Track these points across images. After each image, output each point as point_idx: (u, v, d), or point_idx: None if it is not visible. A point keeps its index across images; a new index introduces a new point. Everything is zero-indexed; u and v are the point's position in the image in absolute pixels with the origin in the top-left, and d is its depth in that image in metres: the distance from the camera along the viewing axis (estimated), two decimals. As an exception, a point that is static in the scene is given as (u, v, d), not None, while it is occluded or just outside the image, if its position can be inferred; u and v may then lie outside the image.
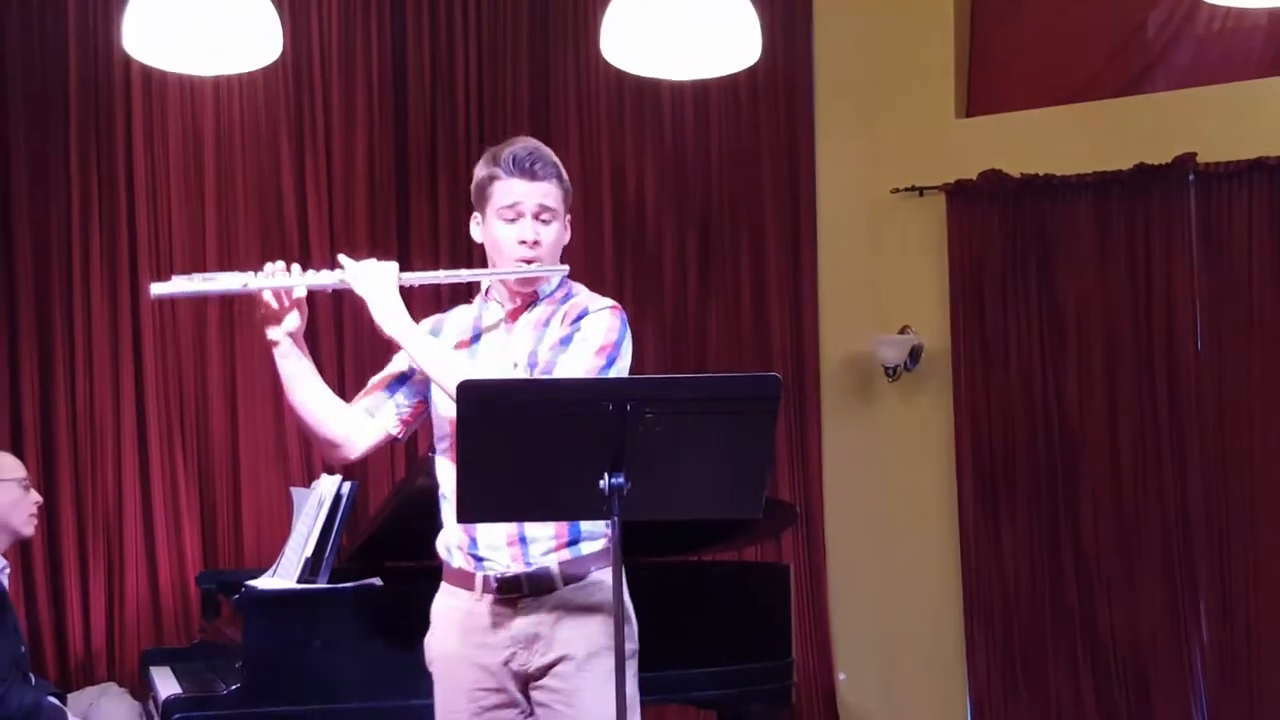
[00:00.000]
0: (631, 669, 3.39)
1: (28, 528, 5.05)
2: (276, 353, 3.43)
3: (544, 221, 3.42)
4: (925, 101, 7.55)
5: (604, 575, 3.33)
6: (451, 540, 3.42)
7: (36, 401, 6.28)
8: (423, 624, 3.49)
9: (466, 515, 3.17)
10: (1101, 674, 6.99)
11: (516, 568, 3.33)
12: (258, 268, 3.38)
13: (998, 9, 7.64)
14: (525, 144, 3.45)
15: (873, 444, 7.64)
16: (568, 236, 3.51)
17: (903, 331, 7.49)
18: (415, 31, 7.14)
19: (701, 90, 7.43)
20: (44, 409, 6.31)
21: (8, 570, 5.03)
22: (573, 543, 3.35)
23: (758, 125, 7.72)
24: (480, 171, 3.47)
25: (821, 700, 7.49)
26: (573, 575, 3.34)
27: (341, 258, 3.45)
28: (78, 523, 6.32)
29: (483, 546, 3.35)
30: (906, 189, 7.49)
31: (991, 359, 7.28)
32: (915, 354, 7.48)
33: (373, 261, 3.44)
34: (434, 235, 7.12)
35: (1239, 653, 6.75)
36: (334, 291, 3.48)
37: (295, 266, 3.40)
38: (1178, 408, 6.90)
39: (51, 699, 4.93)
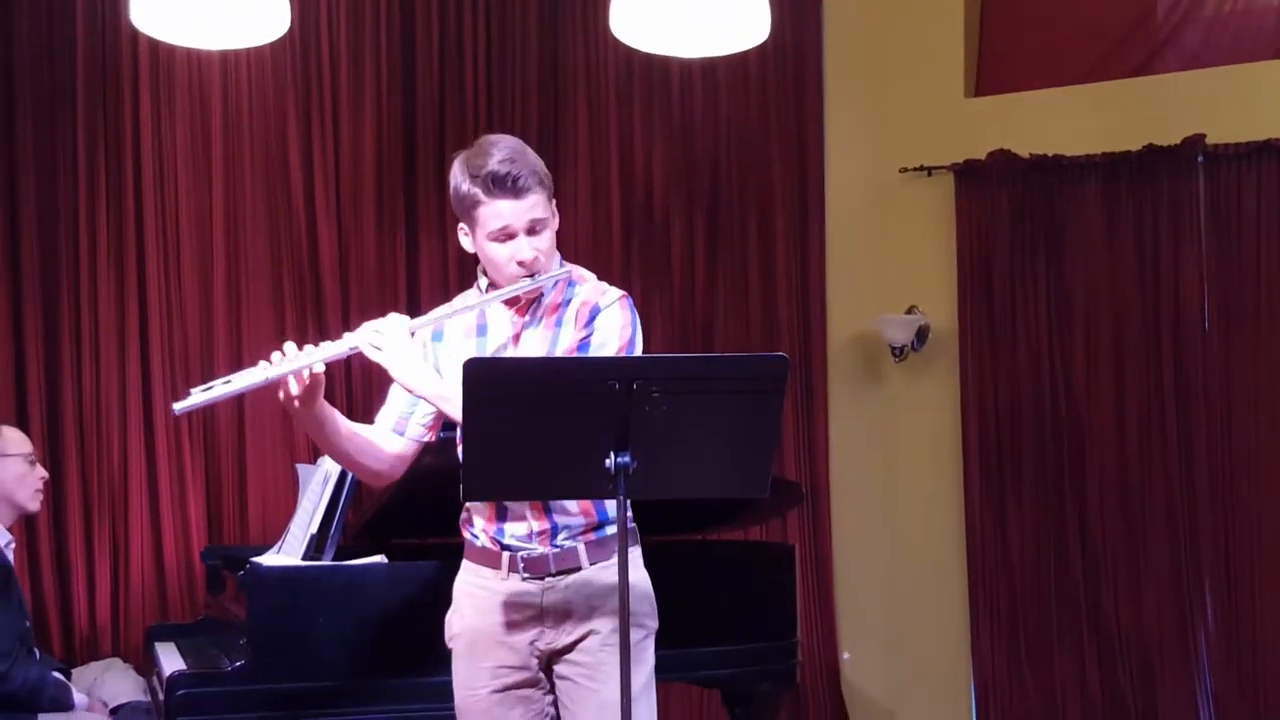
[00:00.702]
0: (650, 647, 3.41)
1: (33, 503, 5.06)
2: (304, 426, 3.42)
3: (536, 233, 3.39)
4: (934, 81, 7.53)
5: (631, 553, 3.33)
6: (476, 523, 3.43)
7: (42, 376, 6.28)
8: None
9: (472, 493, 3.17)
10: (1106, 657, 6.98)
11: (543, 549, 3.35)
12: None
13: (1008, -12, 7.62)
14: (501, 153, 3.36)
15: (879, 424, 7.63)
16: (557, 222, 3.48)
17: (910, 312, 7.48)
18: (424, 7, 7.11)
19: (710, 69, 7.41)
20: (50, 383, 6.31)
21: (13, 545, 5.03)
22: (599, 527, 3.38)
23: (766, 104, 7.70)
24: (460, 186, 3.39)
25: (826, 680, 7.49)
26: (599, 556, 3.36)
27: (348, 334, 3.39)
28: (83, 498, 6.32)
29: (509, 536, 3.36)
30: (915, 169, 7.47)
31: (999, 340, 7.27)
32: (922, 334, 7.47)
33: (381, 322, 3.37)
34: (440, 213, 7.09)
35: (1244, 638, 6.75)
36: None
37: (308, 346, 3.33)
38: (1185, 390, 6.89)
39: (56, 674, 4.95)
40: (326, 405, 3.40)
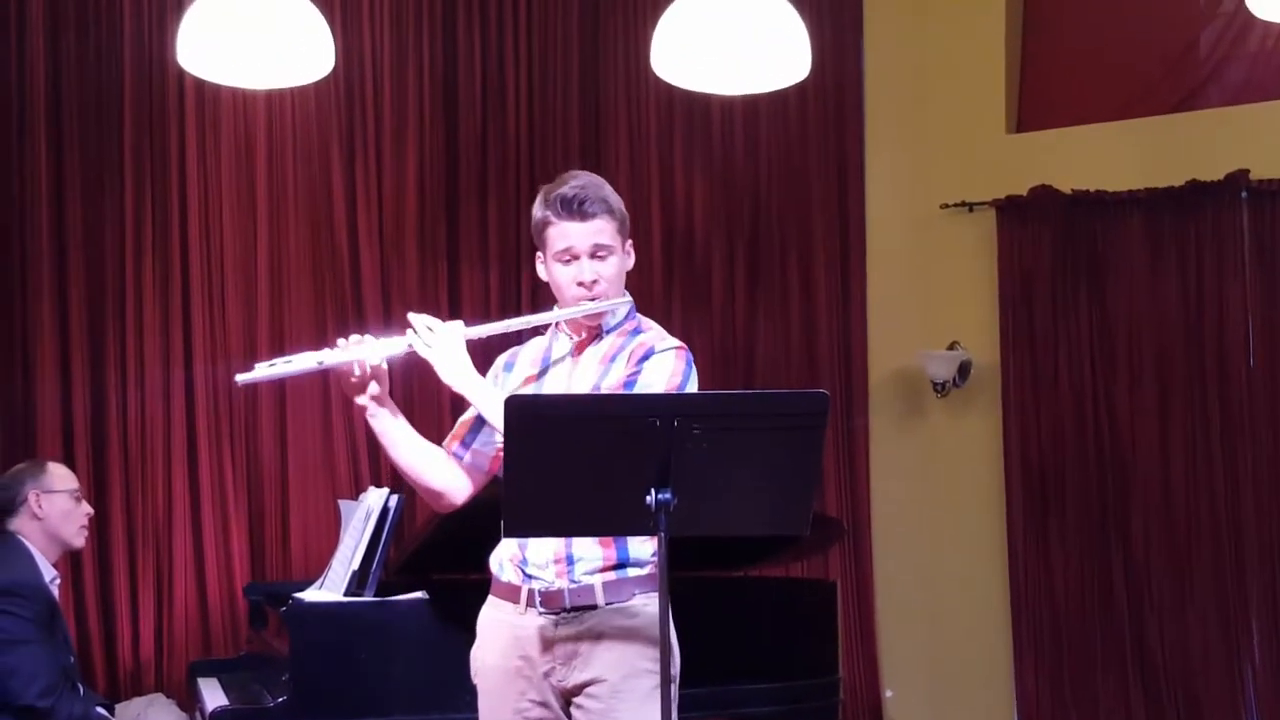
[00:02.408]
0: (672, 693, 3.36)
1: (78, 539, 5.08)
2: (366, 416, 3.48)
3: (600, 258, 3.43)
4: (975, 116, 7.53)
5: (647, 601, 3.33)
6: (504, 554, 3.44)
7: (88, 413, 6.33)
8: (469, 637, 3.50)
9: (513, 530, 3.17)
10: (1152, 693, 6.93)
11: (560, 584, 3.34)
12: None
13: (1049, 24, 7.61)
14: (575, 182, 3.45)
15: (921, 460, 7.61)
16: (631, 262, 3.53)
17: (952, 347, 7.46)
18: (466, 45, 7.17)
19: (751, 105, 7.43)
20: (95, 420, 6.36)
21: (58, 581, 5.05)
22: (619, 567, 3.35)
23: (807, 140, 7.72)
24: (535, 213, 3.48)
25: (868, 717, 7.46)
26: (615, 597, 3.34)
27: (410, 316, 3.46)
28: (127, 534, 6.36)
29: (531, 564, 3.36)
30: (956, 204, 7.46)
31: (1041, 375, 7.24)
32: (964, 370, 7.45)
33: (437, 323, 3.43)
34: (484, 248, 7.15)
35: (1291, 673, 6.70)
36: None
37: (368, 336, 3.42)
38: (1230, 426, 6.85)
39: (100, 710, 4.96)
40: (395, 411, 3.48)
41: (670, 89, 6.12)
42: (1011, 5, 7.57)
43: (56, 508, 4.97)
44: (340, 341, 3.42)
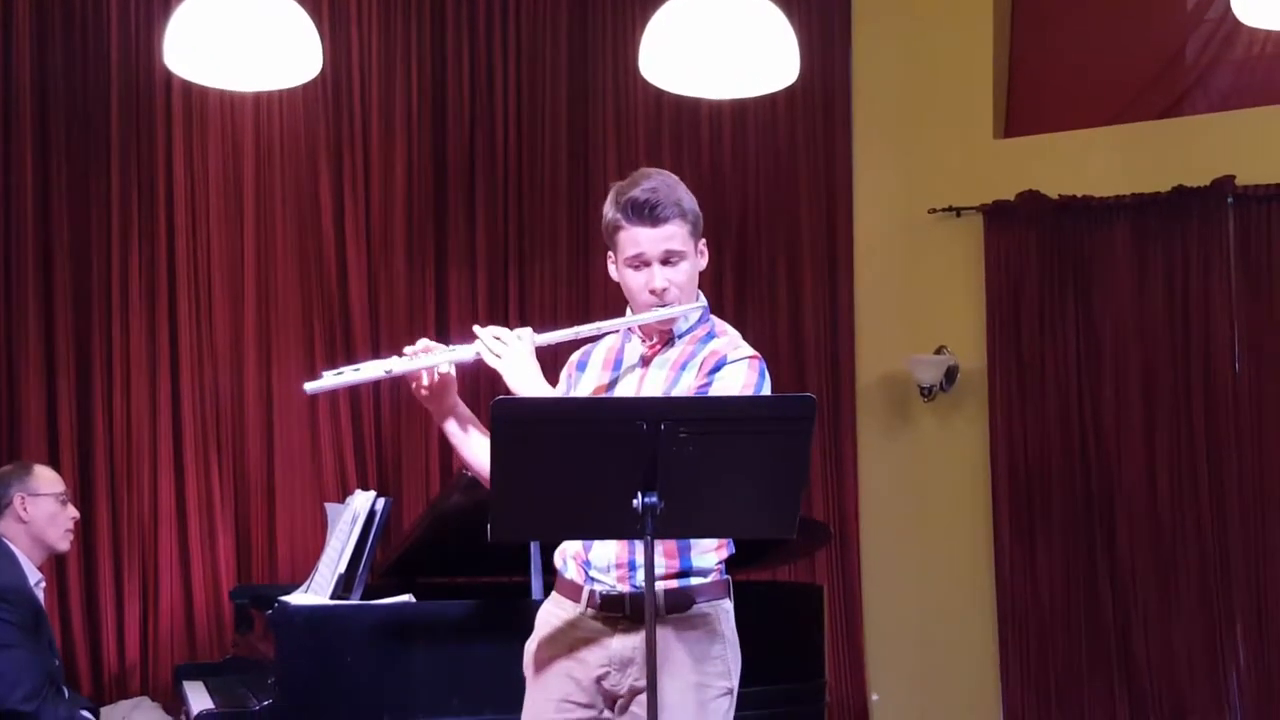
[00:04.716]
0: (721, 708, 3.33)
1: (64, 543, 5.07)
2: (437, 420, 3.51)
3: (672, 264, 3.39)
4: (963, 122, 7.54)
5: (710, 609, 3.32)
6: (569, 551, 3.42)
7: (74, 415, 6.33)
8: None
9: (500, 533, 3.15)
10: (1137, 698, 6.94)
11: (622, 588, 3.31)
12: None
13: (1037, 30, 7.62)
14: (647, 184, 3.39)
15: (908, 464, 7.62)
16: (704, 263, 3.49)
17: (938, 352, 7.47)
18: (454, 48, 7.17)
19: (740, 110, 7.43)
20: (81, 423, 6.35)
21: (44, 585, 5.05)
22: (682, 575, 3.32)
23: (795, 145, 7.72)
24: (606, 214, 3.43)
25: (854, 721, 7.47)
26: (676, 604, 3.30)
27: (477, 329, 3.45)
28: (113, 537, 6.35)
29: (594, 566, 3.34)
30: (943, 209, 7.47)
31: (1028, 380, 7.25)
32: (951, 374, 7.46)
33: (505, 331, 3.43)
34: (471, 252, 7.14)
35: (1276, 679, 6.70)
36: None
37: (435, 344, 3.44)
38: (1215, 431, 6.86)
39: (85, 713, 4.95)
40: (465, 415, 3.50)
41: (659, 93, 6.13)
42: (999, 10, 7.58)
43: (42, 511, 4.96)
44: (407, 349, 3.42)
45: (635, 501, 2.91)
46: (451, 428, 3.50)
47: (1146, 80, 7.35)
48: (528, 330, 3.44)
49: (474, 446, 3.49)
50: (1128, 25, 7.39)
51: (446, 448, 6.89)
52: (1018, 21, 7.66)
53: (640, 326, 3.47)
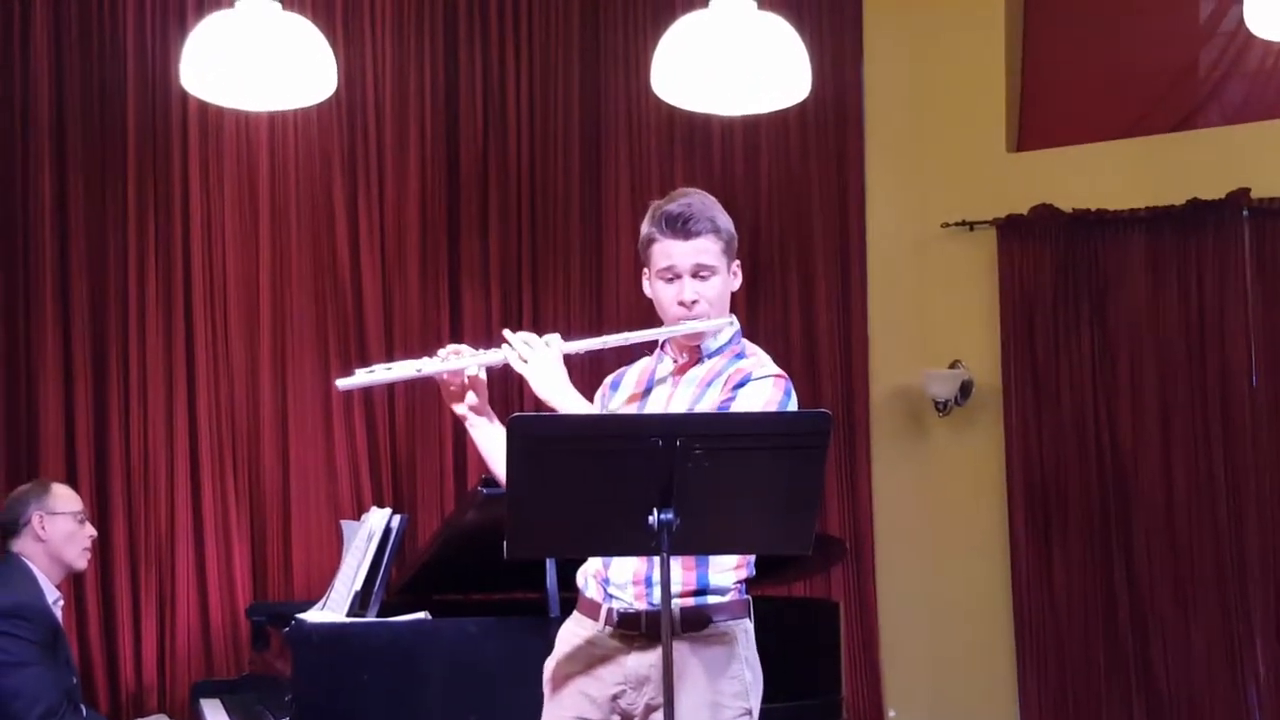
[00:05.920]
0: None
1: (81, 561, 5.08)
2: (465, 425, 3.53)
3: (702, 278, 3.42)
4: (976, 136, 7.54)
5: (728, 628, 3.32)
6: (589, 569, 3.43)
7: (91, 434, 6.33)
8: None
9: (516, 550, 3.16)
10: (1155, 711, 6.92)
11: (639, 605, 3.31)
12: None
13: (1050, 43, 7.63)
14: (683, 200, 3.46)
15: (923, 479, 7.61)
16: (737, 283, 3.52)
17: (953, 366, 7.47)
18: (468, 67, 7.19)
19: (752, 126, 7.44)
20: (98, 441, 6.36)
21: (61, 603, 5.06)
22: (698, 593, 3.32)
23: (807, 159, 7.73)
24: (642, 229, 3.48)
25: (871, 737, 7.45)
26: (693, 622, 3.29)
27: (506, 333, 3.47)
28: (130, 555, 6.36)
29: (612, 583, 3.35)
30: (957, 223, 7.47)
31: (1043, 394, 7.24)
32: (966, 389, 7.45)
33: (534, 338, 3.44)
34: (485, 268, 7.15)
35: (1295, 692, 6.69)
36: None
37: (465, 348, 3.47)
38: (1232, 444, 6.85)
39: (103, 730, 4.96)
40: (493, 420, 3.51)
41: (671, 109, 6.13)
42: (1011, 24, 7.59)
43: (60, 529, 4.97)
44: (439, 351, 3.46)
45: (651, 518, 2.91)
46: (479, 435, 3.52)
47: (1160, 93, 7.35)
48: (556, 337, 3.45)
49: (497, 453, 3.45)
50: (1141, 38, 7.39)
51: (461, 464, 6.94)
52: (1030, 35, 7.67)
53: (671, 344, 3.49)
